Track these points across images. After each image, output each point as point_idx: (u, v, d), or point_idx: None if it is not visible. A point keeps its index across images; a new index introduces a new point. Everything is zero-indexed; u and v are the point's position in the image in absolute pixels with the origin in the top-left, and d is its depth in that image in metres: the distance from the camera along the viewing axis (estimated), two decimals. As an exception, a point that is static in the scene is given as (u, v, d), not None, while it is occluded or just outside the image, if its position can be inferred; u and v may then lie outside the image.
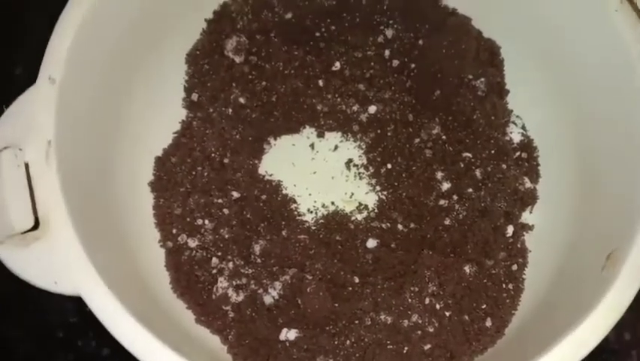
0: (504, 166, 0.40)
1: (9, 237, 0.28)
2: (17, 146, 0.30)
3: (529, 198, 0.41)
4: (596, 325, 0.30)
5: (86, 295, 0.28)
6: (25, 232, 0.29)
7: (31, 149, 0.30)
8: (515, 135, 0.42)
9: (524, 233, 0.40)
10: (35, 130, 0.30)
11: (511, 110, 0.43)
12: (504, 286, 0.38)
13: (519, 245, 0.40)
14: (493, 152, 0.41)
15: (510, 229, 0.39)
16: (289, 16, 0.44)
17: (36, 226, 0.29)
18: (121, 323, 0.28)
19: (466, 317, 0.36)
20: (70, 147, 0.31)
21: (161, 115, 0.42)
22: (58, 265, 0.28)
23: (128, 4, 0.36)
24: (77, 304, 0.40)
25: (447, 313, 0.36)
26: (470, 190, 0.40)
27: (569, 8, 0.37)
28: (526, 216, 0.41)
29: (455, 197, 0.40)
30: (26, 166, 0.29)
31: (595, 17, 0.36)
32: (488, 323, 0.37)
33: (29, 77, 0.31)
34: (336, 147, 0.43)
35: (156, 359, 0.27)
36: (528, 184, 0.41)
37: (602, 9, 0.35)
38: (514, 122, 0.43)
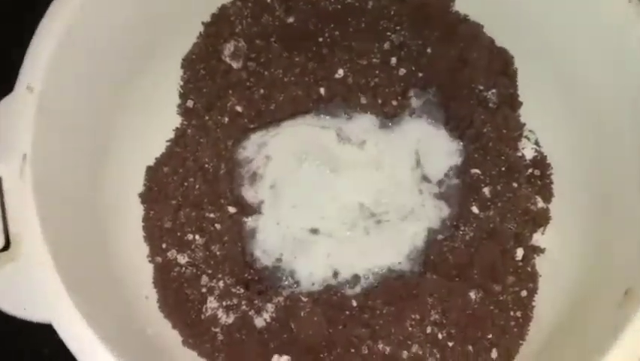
0: (515, 184, 0.38)
1: (-22, 257, 0.27)
2: (-10, 159, 0.28)
3: (541, 219, 0.38)
4: None
5: (56, 324, 0.26)
6: (-4, 253, 0.27)
7: (4, 163, 0.28)
8: (528, 151, 0.40)
9: (535, 256, 0.38)
10: (10, 143, 0.28)
11: (524, 124, 0.40)
12: (512, 313, 0.36)
13: (529, 269, 0.37)
14: (503, 169, 0.38)
15: (520, 252, 0.37)
16: (291, 20, 0.41)
17: (7, 246, 0.27)
18: (94, 355, 0.26)
19: (470, 348, 0.34)
20: (48, 160, 0.29)
21: (154, 122, 0.40)
22: (29, 289, 0.26)
23: (118, 6, 0.34)
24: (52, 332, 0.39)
25: (450, 344, 0.34)
26: (477, 210, 0.38)
27: (584, 19, 0.35)
28: (538, 238, 0.38)
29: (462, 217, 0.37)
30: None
31: (610, 32, 0.34)
32: (494, 354, 0.35)
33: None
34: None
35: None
36: (540, 204, 0.39)
37: (617, 24, 0.33)
38: (526, 137, 0.40)
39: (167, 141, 0.40)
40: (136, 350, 0.27)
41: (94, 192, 0.34)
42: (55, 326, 0.26)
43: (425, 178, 0.40)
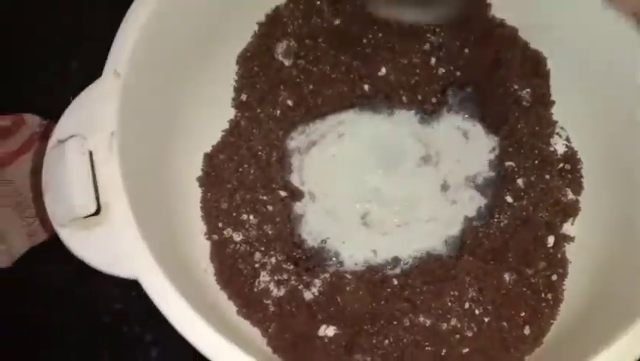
0: (547, 176, 0.41)
1: (72, 220, 0.30)
2: (82, 135, 0.31)
3: (571, 210, 0.41)
4: (631, 345, 0.29)
5: (142, 279, 0.29)
6: (87, 217, 0.30)
7: (95, 139, 0.31)
8: (559, 146, 0.42)
9: (565, 244, 0.40)
10: (100, 121, 0.31)
11: (556, 122, 0.43)
12: (543, 295, 0.38)
13: (559, 256, 0.40)
14: (536, 162, 0.41)
15: (551, 240, 0.40)
16: (337, 22, 0.45)
17: (97, 211, 0.30)
18: (175, 307, 0.29)
19: (505, 324, 0.37)
20: (130, 138, 0.32)
21: (211, 113, 0.43)
22: (118, 248, 0.30)
23: (190, 5, 0.38)
24: (123, 291, 0.43)
25: (486, 319, 0.36)
26: (511, 199, 0.40)
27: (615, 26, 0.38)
28: (568, 228, 0.41)
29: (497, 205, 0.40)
30: (90, 155, 0.31)
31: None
32: (527, 330, 0.37)
33: (87, 73, 0.33)
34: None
35: (207, 343, 0.28)
36: (570, 195, 0.41)
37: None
38: (558, 134, 0.43)
39: (223, 131, 0.43)
40: (202, 308, 0.30)
41: (163, 170, 0.37)
42: (141, 280, 0.29)
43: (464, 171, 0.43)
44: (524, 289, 0.38)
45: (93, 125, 0.31)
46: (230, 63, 0.44)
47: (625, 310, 0.32)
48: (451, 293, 0.37)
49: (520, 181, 0.41)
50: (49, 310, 0.43)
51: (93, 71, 0.33)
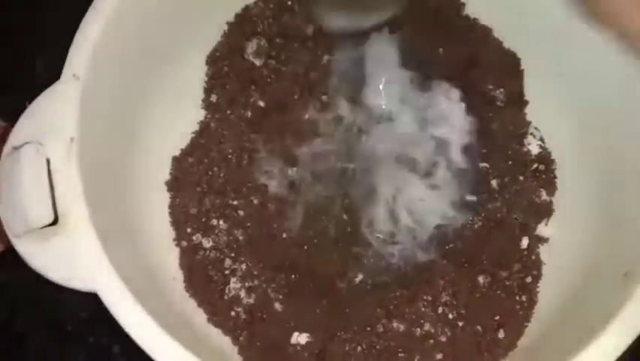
0: (521, 178, 0.40)
1: (27, 231, 0.29)
2: (39, 141, 0.30)
3: (545, 211, 0.40)
4: (608, 346, 0.29)
5: (101, 291, 0.28)
6: (44, 227, 0.29)
7: (52, 145, 0.30)
8: (533, 147, 0.42)
9: (539, 245, 0.40)
10: (58, 126, 0.30)
11: (530, 122, 0.42)
12: (517, 298, 0.38)
13: (534, 257, 0.39)
14: (510, 163, 0.41)
15: (525, 241, 0.39)
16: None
17: (55, 221, 0.29)
18: (135, 320, 0.28)
19: (479, 328, 0.36)
20: (90, 144, 0.31)
21: (179, 115, 0.42)
22: (76, 260, 0.28)
23: (153, 4, 0.36)
24: (89, 299, 0.42)
25: (460, 323, 0.36)
26: (485, 201, 0.40)
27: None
28: (542, 229, 0.40)
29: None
30: (47, 162, 0.30)
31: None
32: (501, 334, 0.37)
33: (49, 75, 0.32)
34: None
35: (168, 356, 0.27)
36: (544, 196, 0.41)
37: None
38: (532, 134, 0.42)
39: (192, 133, 0.42)
40: (170, 322, 0.29)
41: (125, 177, 0.36)
42: (100, 294, 0.28)
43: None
44: (498, 291, 0.37)
45: (50, 130, 0.30)
46: (198, 64, 0.43)
47: (600, 312, 0.31)
48: (425, 298, 0.36)
49: (494, 182, 0.40)
50: (12, 319, 0.41)
51: (58, 72, 0.32)
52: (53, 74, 0.32)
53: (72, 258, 0.28)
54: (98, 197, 0.31)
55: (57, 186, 0.29)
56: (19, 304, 0.42)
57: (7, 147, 0.30)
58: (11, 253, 0.38)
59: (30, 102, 0.31)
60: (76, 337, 0.41)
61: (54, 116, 0.30)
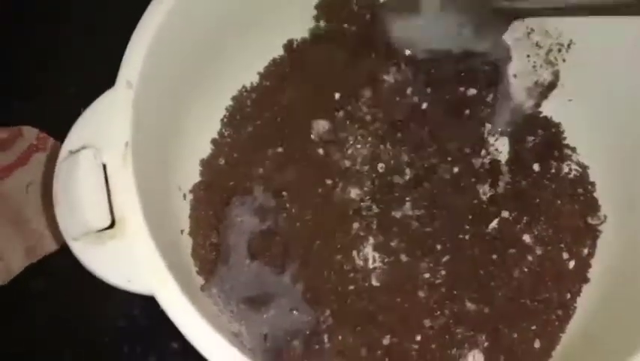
0: (559, 202, 0.41)
1: (84, 234, 0.29)
2: (95, 146, 0.30)
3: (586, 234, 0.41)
4: None
5: (159, 295, 0.28)
6: (101, 231, 0.29)
7: (108, 150, 0.30)
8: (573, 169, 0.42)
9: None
10: (113, 132, 0.31)
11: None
12: (554, 312, 0.38)
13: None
14: (553, 186, 0.41)
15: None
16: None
17: (112, 225, 0.29)
18: (192, 323, 0.28)
19: (515, 335, 0.37)
20: (143, 149, 0.32)
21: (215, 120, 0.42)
22: (134, 264, 0.29)
23: (200, 14, 0.37)
24: (124, 308, 0.42)
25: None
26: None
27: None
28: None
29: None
30: (104, 167, 0.30)
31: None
32: (537, 344, 0.37)
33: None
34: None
35: (225, 358, 0.28)
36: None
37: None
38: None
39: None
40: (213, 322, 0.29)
41: (170, 180, 0.37)
42: (157, 297, 0.28)
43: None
44: (536, 303, 0.38)
45: (106, 136, 0.31)
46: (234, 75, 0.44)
47: (634, 335, 0.32)
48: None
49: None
50: (49, 328, 0.41)
51: (91, 87, 0.32)
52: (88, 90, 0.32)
53: (130, 261, 0.29)
54: (152, 202, 0.31)
55: (114, 190, 0.30)
56: (55, 314, 0.42)
57: (63, 152, 0.31)
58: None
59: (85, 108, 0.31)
60: (111, 346, 0.41)
61: (109, 121, 0.31)
